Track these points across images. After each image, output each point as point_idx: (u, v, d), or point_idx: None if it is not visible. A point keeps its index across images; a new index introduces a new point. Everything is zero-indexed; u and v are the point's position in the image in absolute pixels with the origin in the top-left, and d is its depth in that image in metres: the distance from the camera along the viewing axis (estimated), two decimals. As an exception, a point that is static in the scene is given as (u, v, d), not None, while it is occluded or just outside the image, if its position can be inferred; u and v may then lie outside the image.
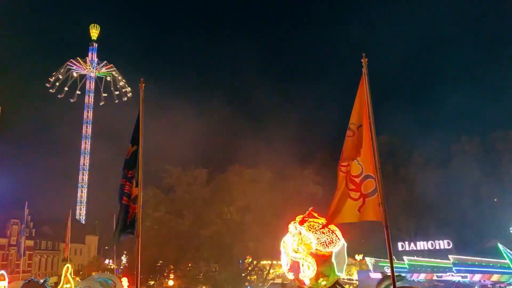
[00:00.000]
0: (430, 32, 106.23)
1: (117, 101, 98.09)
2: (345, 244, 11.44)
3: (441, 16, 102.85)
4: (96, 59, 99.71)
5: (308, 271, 10.90)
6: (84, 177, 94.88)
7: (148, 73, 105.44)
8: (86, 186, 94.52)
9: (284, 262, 11.63)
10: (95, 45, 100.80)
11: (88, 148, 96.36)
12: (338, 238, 11.22)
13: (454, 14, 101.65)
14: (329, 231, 11.16)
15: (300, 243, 11.15)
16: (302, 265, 10.98)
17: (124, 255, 62.33)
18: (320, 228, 11.15)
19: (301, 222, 11.48)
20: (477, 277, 29.18)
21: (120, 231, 9.45)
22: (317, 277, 10.94)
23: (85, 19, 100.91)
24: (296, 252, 11.17)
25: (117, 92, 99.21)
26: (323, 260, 10.89)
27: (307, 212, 11.93)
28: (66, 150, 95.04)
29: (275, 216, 39.35)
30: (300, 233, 11.24)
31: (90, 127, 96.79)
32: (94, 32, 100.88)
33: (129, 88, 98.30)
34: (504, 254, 26.62)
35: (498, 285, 29.36)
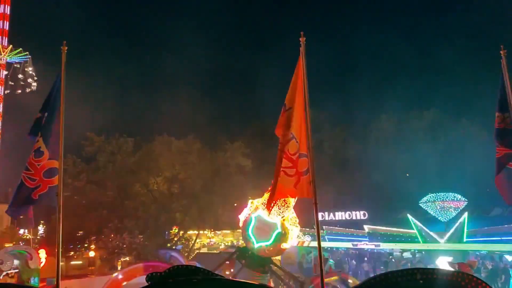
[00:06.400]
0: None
1: (19, 91, 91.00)
2: None
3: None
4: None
5: None
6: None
7: (68, 32, 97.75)
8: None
9: None
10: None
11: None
12: None
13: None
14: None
15: None
16: None
17: (41, 225, 58.94)
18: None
19: None
20: (388, 246, 31.79)
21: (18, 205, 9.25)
22: None
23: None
24: None
25: (22, 83, 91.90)
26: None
27: None
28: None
29: (204, 187, 39.51)
30: None
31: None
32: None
33: (35, 84, 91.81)
34: (413, 225, 29.03)
35: (406, 253, 32.37)
